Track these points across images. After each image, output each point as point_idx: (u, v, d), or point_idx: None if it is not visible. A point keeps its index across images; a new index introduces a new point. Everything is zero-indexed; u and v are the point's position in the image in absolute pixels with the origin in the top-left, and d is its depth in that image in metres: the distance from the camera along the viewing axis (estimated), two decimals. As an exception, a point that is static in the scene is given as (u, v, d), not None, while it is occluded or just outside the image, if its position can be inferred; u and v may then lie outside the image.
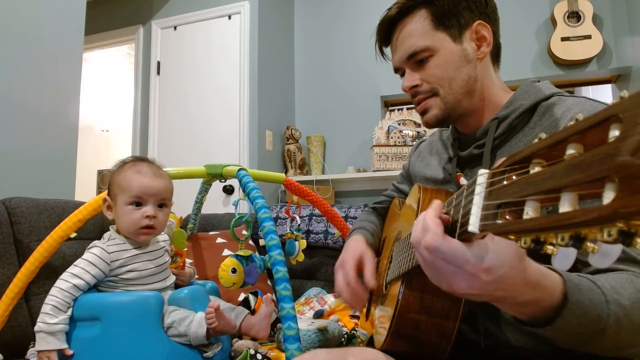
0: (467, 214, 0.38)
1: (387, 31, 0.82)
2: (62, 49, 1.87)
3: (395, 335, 0.66)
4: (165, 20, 3.10)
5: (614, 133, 0.23)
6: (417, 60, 0.77)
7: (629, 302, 0.50)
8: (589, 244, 0.25)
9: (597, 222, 0.23)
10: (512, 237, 0.30)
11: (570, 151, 0.26)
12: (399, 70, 0.82)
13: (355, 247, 0.88)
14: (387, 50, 0.86)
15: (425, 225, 0.43)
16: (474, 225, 0.36)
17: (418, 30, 0.76)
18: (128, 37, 3.29)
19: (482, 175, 0.36)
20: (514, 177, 0.32)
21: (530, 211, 0.28)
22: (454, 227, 0.42)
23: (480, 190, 0.36)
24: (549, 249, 0.28)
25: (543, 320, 0.47)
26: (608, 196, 0.22)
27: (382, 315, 0.76)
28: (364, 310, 0.99)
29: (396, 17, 0.79)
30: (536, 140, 0.30)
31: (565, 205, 0.25)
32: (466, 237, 0.40)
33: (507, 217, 0.32)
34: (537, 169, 0.29)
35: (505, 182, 0.32)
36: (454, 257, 0.40)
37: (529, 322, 0.49)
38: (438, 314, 0.64)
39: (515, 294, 0.43)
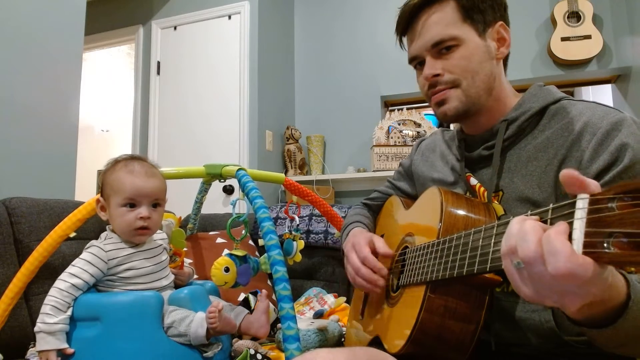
0: None
1: (408, 19, 0.81)
2: (62, 49, 1.87)
3: (415, 341, 0.65)
4: (165, 20, 3.10)
5: None
6: (442, 48, 0.76)
7: None
8: None
9: None
10: (632, 268, 0.30)
11: None
12: (415, 60, 0.81)
13: (363, 233, 0.88)
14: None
15: (553, 248, 0.37)
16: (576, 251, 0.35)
17: (446, 19, 0.76)
18: (128, 37, 3.29)
19: (583, 200, 0.35)
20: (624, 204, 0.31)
21: None
22: None
23: (581, 215, 0.34)
24: None
25: (602, 320, 0.47)
26: None
27: (395, 318, 0.74)
28: (360, 307, 0.98)
29: (421, 4, 0.79)
30: None
31: None
32: None
33: (617, 247, 0.31)
34: None
35: (617, 211, 0.31)
36: (586, 280, 0.36)
37: (586, 322, 0.48)
38: (461, 320, 0.63)
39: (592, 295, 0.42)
